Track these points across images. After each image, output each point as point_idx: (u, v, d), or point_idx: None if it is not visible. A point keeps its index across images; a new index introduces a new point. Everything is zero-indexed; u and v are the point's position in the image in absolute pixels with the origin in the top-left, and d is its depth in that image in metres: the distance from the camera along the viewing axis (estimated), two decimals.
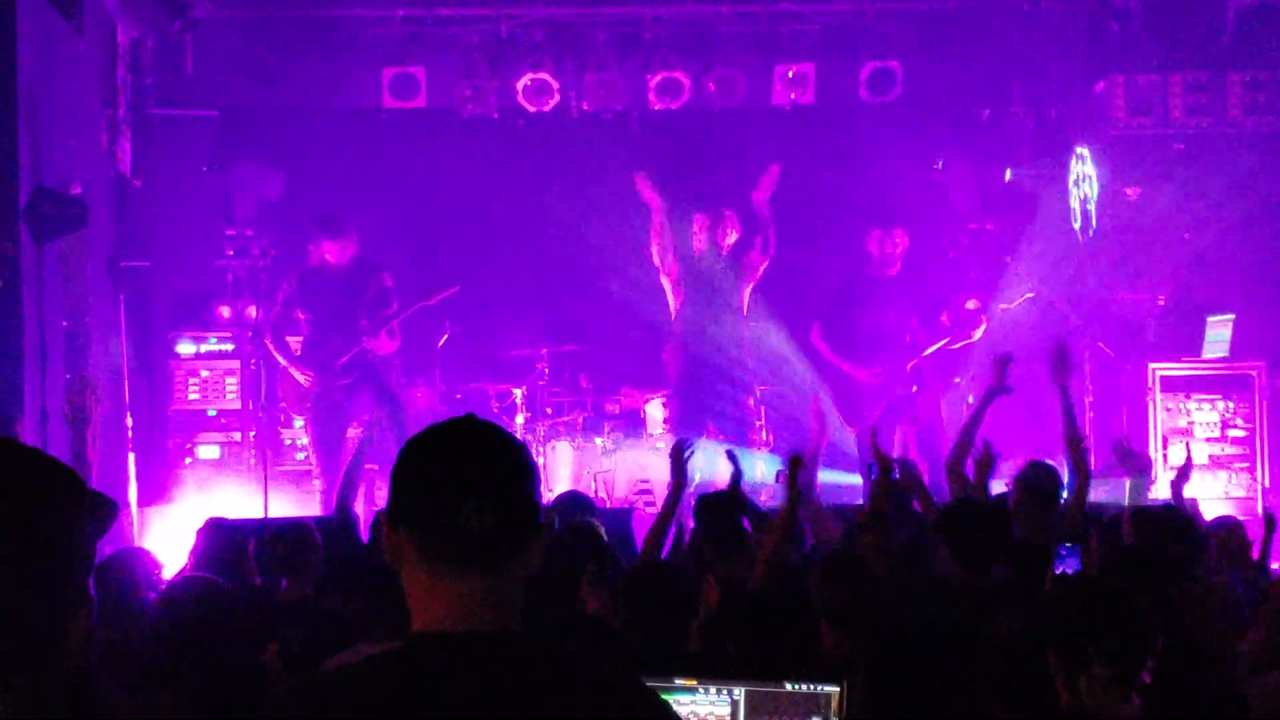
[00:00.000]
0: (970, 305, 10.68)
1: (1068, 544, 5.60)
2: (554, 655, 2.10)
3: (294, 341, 10.57)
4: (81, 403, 5.66)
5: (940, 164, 12.55)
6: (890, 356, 10.49)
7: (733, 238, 10.64)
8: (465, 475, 2.08)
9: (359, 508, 8.99)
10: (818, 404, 7.73)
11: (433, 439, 2.13)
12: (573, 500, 6.78)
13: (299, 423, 11.10)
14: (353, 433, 10.27)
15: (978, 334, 10.47)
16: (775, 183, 10.61)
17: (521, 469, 2.13)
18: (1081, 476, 6.35)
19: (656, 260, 10.71)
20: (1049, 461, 6.55)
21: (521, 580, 2.12)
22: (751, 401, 10.79)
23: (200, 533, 6.13)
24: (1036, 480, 6.27)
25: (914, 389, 10.51)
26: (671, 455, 6.35)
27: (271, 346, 10.43)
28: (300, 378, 10.36)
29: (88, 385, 5.90)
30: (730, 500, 6.42)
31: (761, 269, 10.65)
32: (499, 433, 2.14)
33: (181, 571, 6.27)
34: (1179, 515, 5.83)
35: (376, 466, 9.91)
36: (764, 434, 11.14)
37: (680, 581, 4.52)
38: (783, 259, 10.84)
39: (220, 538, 6.07)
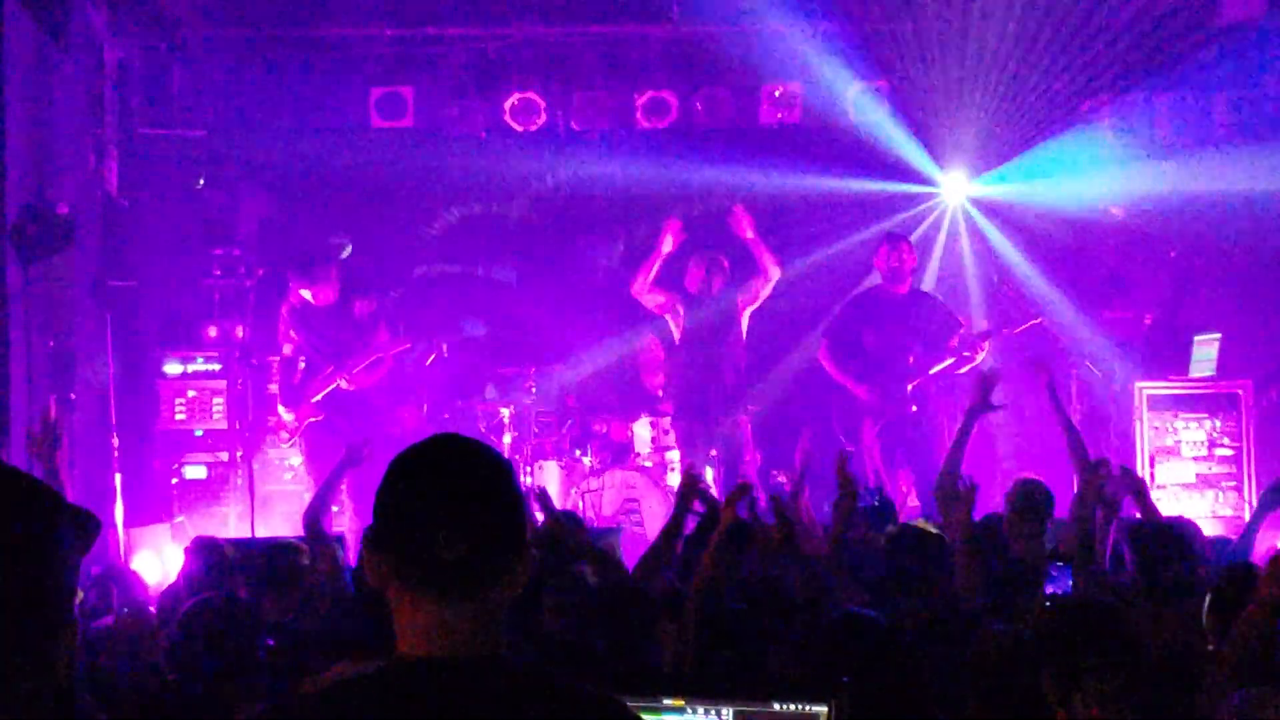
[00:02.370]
0: (961, 332, 10.55)
1: (1059, 563, 5.60)
2: (538, 679, 2.08)
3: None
4: (49, 428, 5.66)
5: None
6: (891, 375, 10.40)
7: (728, 277, 10.65)
8: (439, 505, 2.05)
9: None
10: (806, 439, 7.60)
11: (411, 463, 2.11)
12: None
13: (286, 442, 11.06)
14: None
15: (979, 358, 10.29)
16: (748, 219, 10.56)
17: (500, 493, 2.09)
18: (1085, 488, 6.30)
19: (637, 290, 10.70)
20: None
21: (505, 604, 2.10)
22: (747, 423, 10.75)
23: (189, 552, 6.11)
24: (1028, 496, 6.29)
25: (914, 409, 10.38)
26: (681, 489, 6.25)
27: (278, 370, 10.45)
28: (284, 415, 10.35)
29: (46, 411, 5.91)
30: (702, 531, 6.32)
31: (762, 292, 10.57)
32: (479, 455, 2.11)
33: (170, 589, 6.25)
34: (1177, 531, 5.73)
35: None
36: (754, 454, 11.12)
37: (645, 603, 4.51)
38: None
39: (209, 557, 6.06)
